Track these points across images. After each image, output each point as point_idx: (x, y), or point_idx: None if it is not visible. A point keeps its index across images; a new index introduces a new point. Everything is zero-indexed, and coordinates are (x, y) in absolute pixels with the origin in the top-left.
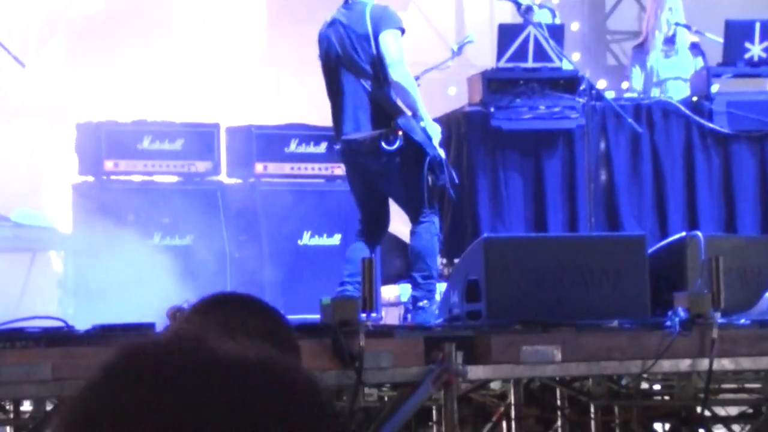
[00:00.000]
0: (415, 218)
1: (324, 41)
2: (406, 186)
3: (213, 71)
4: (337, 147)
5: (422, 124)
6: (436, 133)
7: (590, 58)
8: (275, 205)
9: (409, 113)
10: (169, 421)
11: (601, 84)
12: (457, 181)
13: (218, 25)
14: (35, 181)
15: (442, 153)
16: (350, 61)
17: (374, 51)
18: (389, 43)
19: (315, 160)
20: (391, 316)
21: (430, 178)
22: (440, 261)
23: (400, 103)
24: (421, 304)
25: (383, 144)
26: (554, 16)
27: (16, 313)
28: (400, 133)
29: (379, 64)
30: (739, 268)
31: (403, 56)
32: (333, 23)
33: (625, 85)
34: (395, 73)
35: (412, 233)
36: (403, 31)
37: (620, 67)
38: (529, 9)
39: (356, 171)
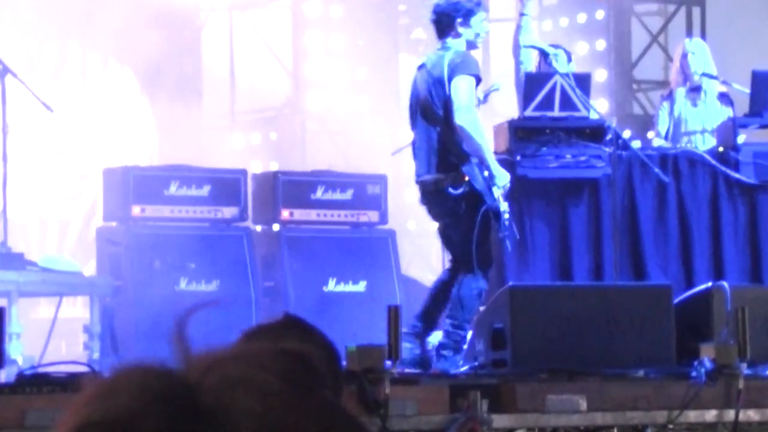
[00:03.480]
0: (465, 268)
1: (413, 84)
2: (463, 232)
3: (239, 118)
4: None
5: (485, 173)
6: (502, 181)
7: (616, 107)
8: (301, 251)
9: (475, 159)
10: None
11: (626, 133)
12: (518, 236)
13: (245, 73)
14: (62, 225)
15: (504, 205)
16: (426, 104)
17: (447, 95)
18: (460, 88)
19: (341, 206)
20: None
21: (483, 228)
22: None
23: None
24: (443, 352)
25: (449, 188)
26: (569, 60)
27: (43, 358)
28: (466, 178)
29: (448, 108)
30: (765, 318)
31: (473, 103)
32: (421, 66)
33: (651, 134)
34: (460, 118)
35: (459, 281)
36: (478, 78)
37: (646, 116)
38: (555, 57)
39: (430, 212)
